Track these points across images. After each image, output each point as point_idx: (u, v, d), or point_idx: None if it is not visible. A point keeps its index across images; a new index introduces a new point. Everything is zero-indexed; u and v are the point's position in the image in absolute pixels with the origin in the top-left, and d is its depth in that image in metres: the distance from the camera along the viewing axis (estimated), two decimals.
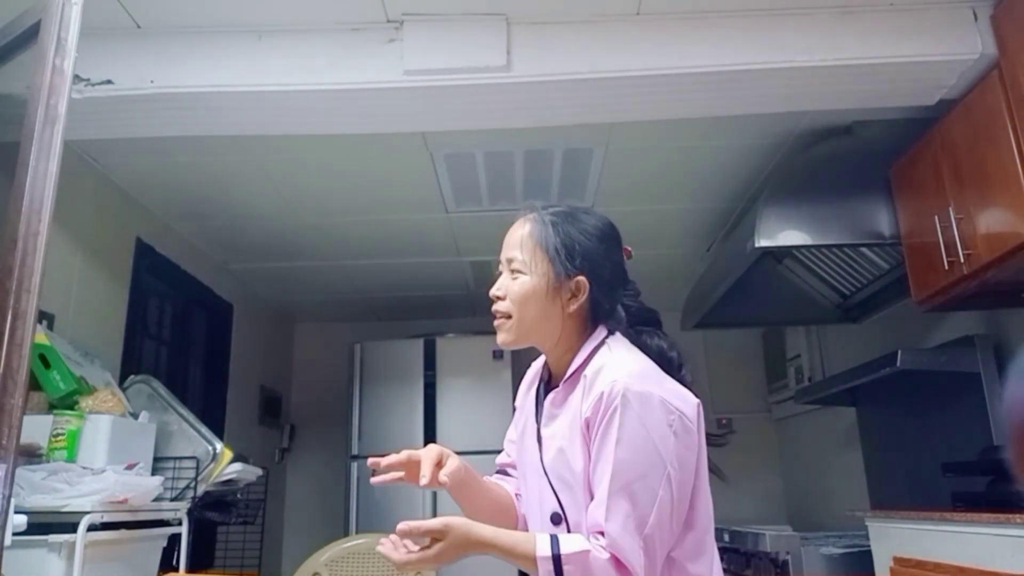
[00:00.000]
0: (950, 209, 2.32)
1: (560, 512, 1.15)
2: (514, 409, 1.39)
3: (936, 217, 2.38)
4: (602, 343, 1.21)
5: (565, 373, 1.21)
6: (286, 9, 2.25)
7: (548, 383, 1.29)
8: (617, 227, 1.29)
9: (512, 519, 1.32)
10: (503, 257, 1.27)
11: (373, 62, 2.29)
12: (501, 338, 1.26)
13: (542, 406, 1.26)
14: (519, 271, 1.23)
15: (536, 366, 1.36)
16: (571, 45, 2.29)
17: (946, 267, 2.34)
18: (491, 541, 1.08)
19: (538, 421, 1.25)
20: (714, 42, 2.29)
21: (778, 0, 2.26)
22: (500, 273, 1.28)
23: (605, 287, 1.23)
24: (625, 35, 2.30)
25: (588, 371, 1.16)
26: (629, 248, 1.30)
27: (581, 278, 1.21)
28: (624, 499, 1.05)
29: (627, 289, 1.27)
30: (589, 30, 2.30)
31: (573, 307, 1.22)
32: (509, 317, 1.24)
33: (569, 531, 1.13)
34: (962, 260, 2.26)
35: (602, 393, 1.09)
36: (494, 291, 1.27)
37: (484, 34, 2.27)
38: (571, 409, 1.17)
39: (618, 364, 1.14)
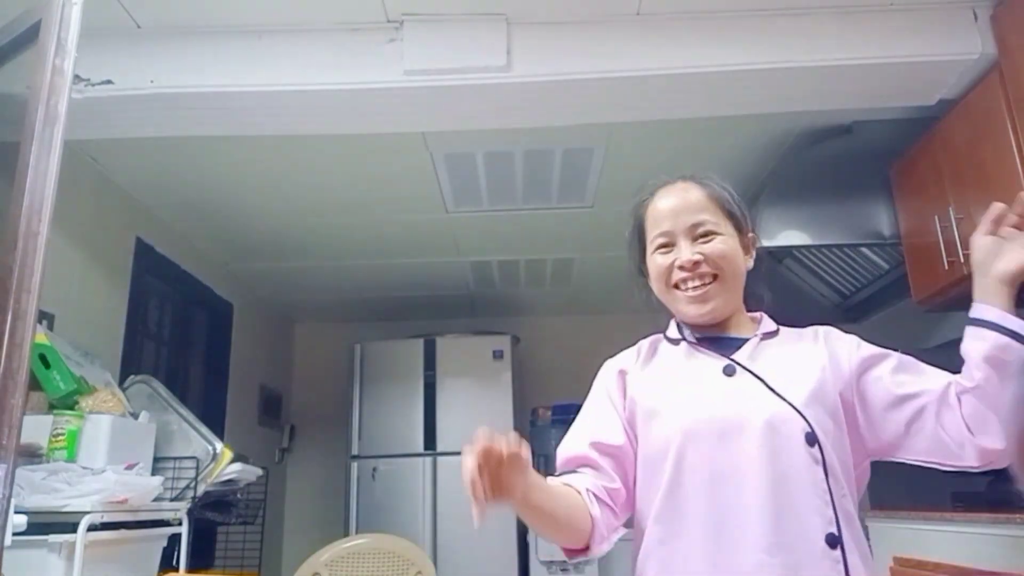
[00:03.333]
0: (950, 209, 2.32)
1: (812, 431, 1.08)
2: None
3: (936, 217, 2.38)
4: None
5: (751, 328, 1.24)
6: (286, 9, 2.25)
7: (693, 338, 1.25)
8: None
9: (583, 527, 1.11)
10: (681, 225, 1.21)
11: (373, 62, 2.29)
12: (711, 306, 1.19)
13: (709, 351, 1.21)
14: (713, 232, 1.20)
15: (644, 344, 1.29)
16: (571, 45, 2.29)
17: (946, 267, 2.34)
18: None
19: (729, 359, 1.18)
20: (714, 42, 2.29)
21: (778, 0, 2.26)
22: (665, 245, 1.22)
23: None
24: (625, 35, 2.30)
25: (800, 331, 1.25)
26: None
27: (753, 235, 1.26)
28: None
29: None
30: (589, 30, 2.30)
31: (751, 264, 1.25)
32: (715, 278, 1.19)
33: (822, 449, 1.07)
34: (962, 260, 2.26)
35: (849, 337, 1.22)
36: (691, 257, 1.19)
37: (484, 34, 2.27)
38: (798, 351, 1.20)
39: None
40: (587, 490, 1.14)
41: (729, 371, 1.16)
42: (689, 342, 1.23)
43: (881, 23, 2.28)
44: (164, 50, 2.28)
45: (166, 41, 2.29)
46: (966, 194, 2.28)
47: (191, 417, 2.76)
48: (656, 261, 1.23)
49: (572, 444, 1.21)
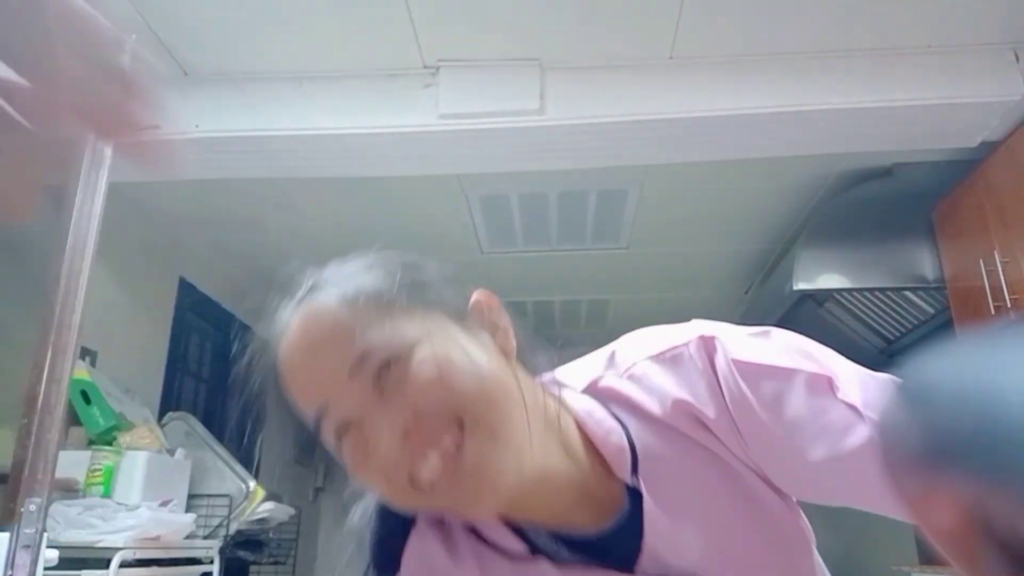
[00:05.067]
0: (995, 252, 2.26)
1: None
2: None
3: (981, 260, 2.32)
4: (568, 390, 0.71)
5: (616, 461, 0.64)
6: (326, 57, 2.31)
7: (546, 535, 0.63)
8: None
9: None
10: (336, 378, 0.59)
11: (410, 107, 2.34)
12: (495, 483, 0.56)
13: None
14: (395, 354, 0.59)
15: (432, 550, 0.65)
16: (604, 89, 2.31)
17: (992, 312, 2.27)
18: None
19: (625, 568, 0.61)
20: (748, 85, 2.28)
21: (814, 42, 2.26)
22: (344, 430, 0.61)
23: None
24: (658, 79, 2.31)
25: (638, 406, 0.67)
26: None
27: (477, 297, 0.69)
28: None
29: None
30: (622, 75, 2.32)
31: (509, 345, 0.66)
32: (460, 425, 0.57)
33: None
34: (1009, 304, 2.20)
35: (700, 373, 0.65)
36: (393, 435, 0.58)
37: (518, 79, 2.31)
38: (701, 495, 0.65)
39: (647, 362, 0.68)
40: None
41: None
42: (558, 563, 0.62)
43: (920, 65, 2.26)
44: (209, 96, 2.36)
45: (211, 87, 2.37)
46: (1011, 236, 2.22)
47: (226, 455, 2.78)
48: (350, 454, 0.61)
49: None
